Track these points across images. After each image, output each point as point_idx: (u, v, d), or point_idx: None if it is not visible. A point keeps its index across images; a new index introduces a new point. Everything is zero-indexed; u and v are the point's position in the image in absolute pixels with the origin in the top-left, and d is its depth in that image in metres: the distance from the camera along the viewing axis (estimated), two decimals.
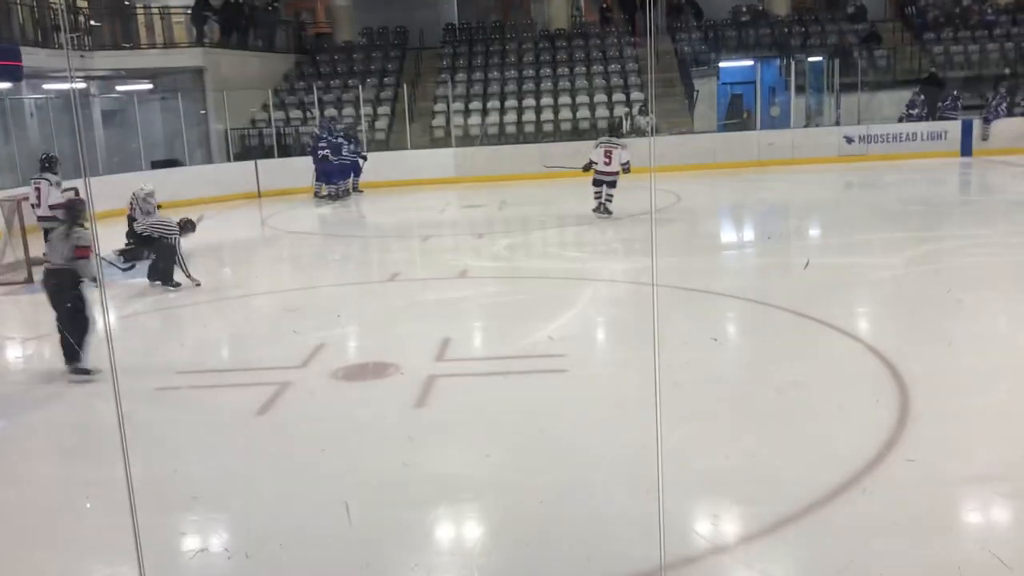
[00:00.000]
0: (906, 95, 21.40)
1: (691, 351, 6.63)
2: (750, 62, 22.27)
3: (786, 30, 24.16)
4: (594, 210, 13.74)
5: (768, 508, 4.18)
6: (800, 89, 21.66)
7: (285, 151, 20.96)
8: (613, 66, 23.54)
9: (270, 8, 24.73)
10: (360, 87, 22.09)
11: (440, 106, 22.20)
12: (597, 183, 13.74)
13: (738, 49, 23.37)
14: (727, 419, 5.43)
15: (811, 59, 22.22)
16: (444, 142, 21.28)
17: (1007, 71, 21.87)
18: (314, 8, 29.35)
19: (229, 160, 20.42)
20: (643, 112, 21.01)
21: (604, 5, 26.84)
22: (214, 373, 6.99)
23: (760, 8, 25.58)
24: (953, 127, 19.88)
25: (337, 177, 17.74)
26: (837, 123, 21.20)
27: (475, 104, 22.46)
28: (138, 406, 5.89)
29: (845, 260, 10.20)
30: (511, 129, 21.91)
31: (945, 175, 17.23)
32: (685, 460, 4.65)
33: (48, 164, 11.34)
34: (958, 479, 4.49)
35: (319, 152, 17.44)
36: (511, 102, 22.56)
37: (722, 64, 22.72)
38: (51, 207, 10.81)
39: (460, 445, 5.26)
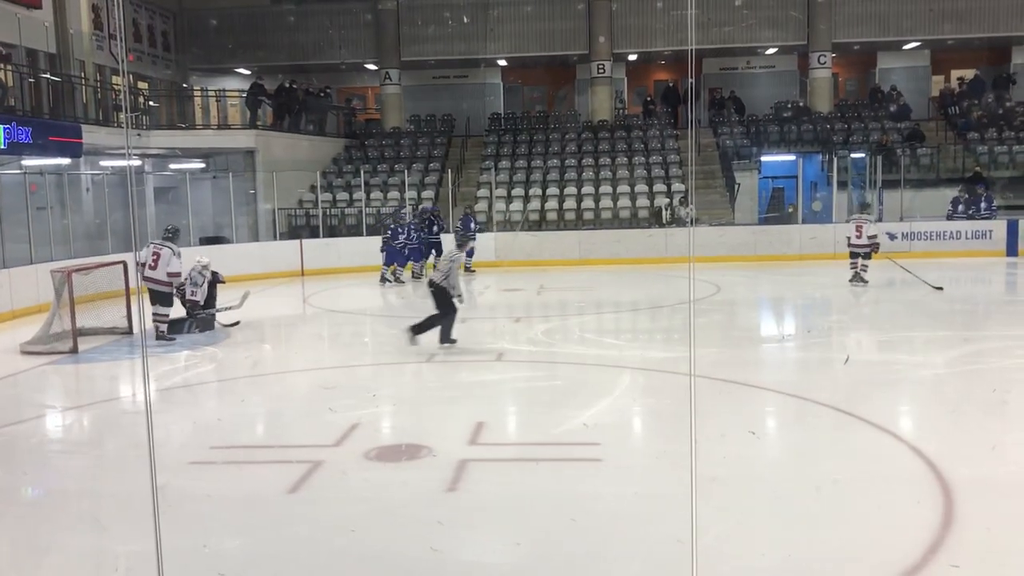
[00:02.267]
0: (949, 193, 21.35)
1: (728, 445, 6.53)
2: (792, 156, 22.43)
3: (828, 126, 24.37)
4: (850, 280, 15.45)
5: None
6: (842, 184, 21.71)
7: (330, 231, 21.37)
8: (655, 157, 23.85)
9: (322, 94, 25.54)
10: (406, 171, 22.57)
11: (483, 192, 22.58)
12: (852, 255, 15.59)
13: (780, 143, 23.60)
14: (764, 517, 5.31)
15: (853, 155, 22.31)
16: (486, 227, 21.56)
17: None
18: (365, 95, 30.26)
19: (275, 239, 20.85)
20: (683, 203, 21.17)
21: (648, 98, 27.35)
22: (248, 449, 7.01)
23: (802, 105, 25.89)
24: (999, 226, 19.73)
25: (395, 260, 17.68)
26: (879, 219, 21.14)
27: (517, 191, 22.81)
28: (172, 479, 5.92)
29: (886, 357, 10.05)
30: (552, 216, 22.16)
31: (990, 274, 17.03)
32: (720, 558, 4.53)
33: (171, 234, 11.97)
34: None
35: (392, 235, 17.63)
36: (552, 190, 22.89)
37: (764, 158, 22.90)
38: (168, 274, 11.53)
39: (490, 532, 5.19)
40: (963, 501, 5.31)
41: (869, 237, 15.40)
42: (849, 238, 15.67)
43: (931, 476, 5.76)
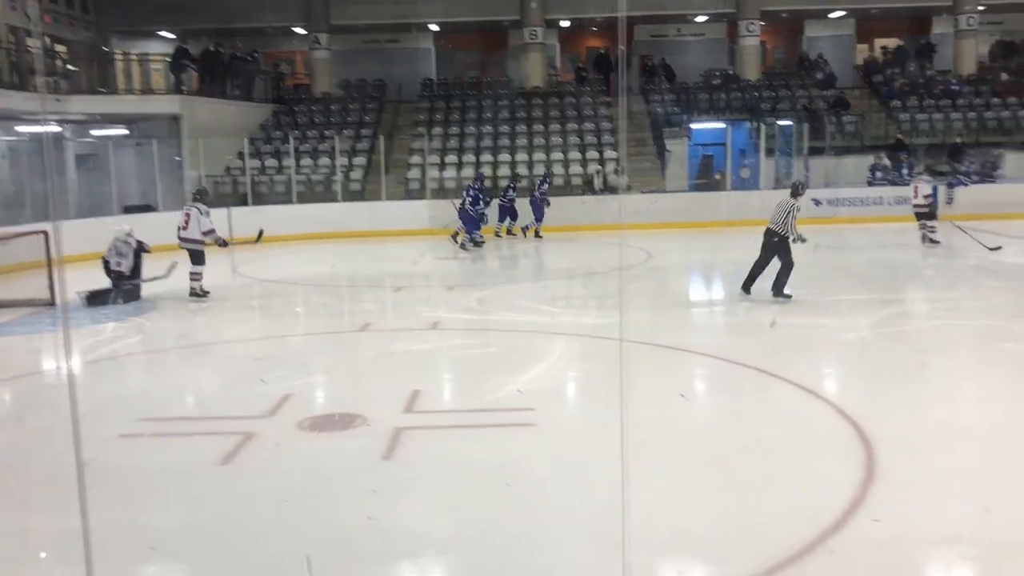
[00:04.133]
0: (871, 160, 21.90)
1: (659, 408, 6.65)
2: (721, 124, 22.70)
3: (756, 94, 24.69)
4: (922, 242, 15.99)
5: (733, 568, 4.17)
6: (769, 152, 22.09)
7: (259, 199, 20.97)
8: (588, 124, 23.91)
9: (249, 59, 24.94)
10: (336, 138, 22.24)
11: (416, 158, 22.40)
12: (917, 217, 16.13)
13: (709, 111, 23.84)
14: (694, 477, 5.43)
15: (781, 123, 22.68)
16: (419, 194, 21.43)
17: (958, 139, 22.41)
18: (293, 59, 29.65)
19: None
20: (617, 171, 21.31)
21: (580, 65, 27.36)
22: (179, 421, 6.90)
23: (731, 72, 26.17)
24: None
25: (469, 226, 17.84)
26: (807, 185, 21.54)
27: (451, 158, 22.67)
28: (99, 453, 5.79)
29: (812, 321, 10.31)
30: (486, 183, 22.07)
31: (910, 239, 17.55)
32: (652, 517, 4.63)
33: (199, 195, 12.76)
34: (923, 541, 4.50)
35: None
36: (486, 156, 22.80)
37: (693, 126, 23.14)
38: (202, 232, 12.13)
39: (426, 498, 5.20)
40: (884, 458, 5.49)
41: (924, 197, 15.87)
42: (912, 201, 16.25)
43: (854, 434, 5.95)
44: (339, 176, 21.49)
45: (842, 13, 26.57)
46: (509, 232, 19.46)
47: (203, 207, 12.30)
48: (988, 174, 21.67)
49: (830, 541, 4.39)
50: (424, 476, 5.54)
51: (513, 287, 13.56)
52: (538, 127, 23.99)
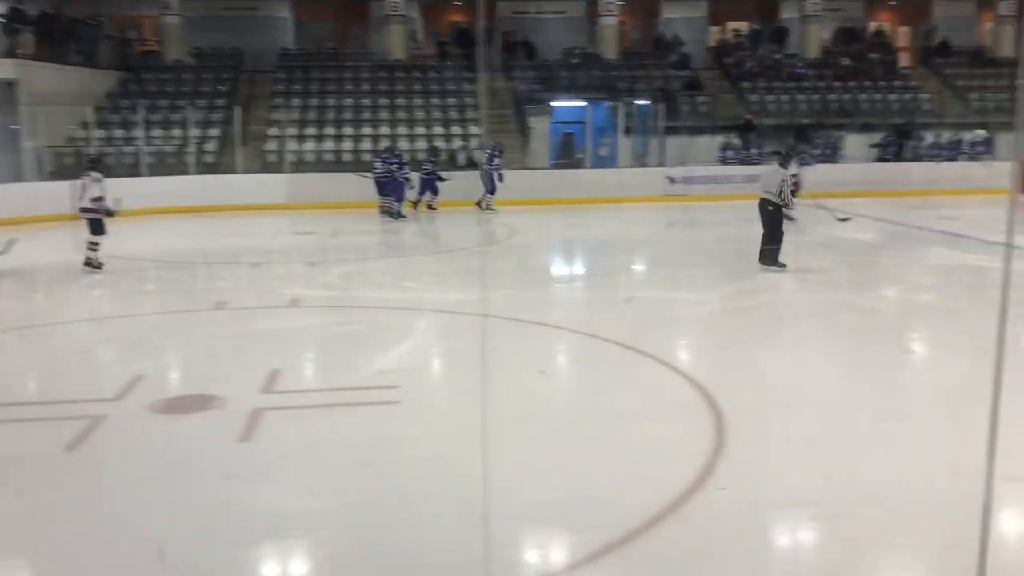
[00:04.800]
0: (723, 139, 22.80)
1: (521, 382, 6.76)
2: (582, 103, 23.08)
3: (615, 73, 25.19)
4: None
5: (592, 537, 4.29)
6: (628, 131, 22.63)
7: (107, 171, 19.87)
8: (451, 100, 23.82)
9: (92, 22, 23.53)
10: (189, 108, 21.35)
11: (273, 131, 21.77)
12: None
13: (570, 90, 24.17)
14: (554, 449, 5.55)
15: (638, 102, 23.26)
16: (276, 167, 20.85)
17: (806, 121, 23.64)
18: (141, 25, 28.16)
19: (43, 179, 19.20)
20: (482, 147, 21.35)
21: (442, 39, 27.18)
22: (21, 406, 6.51)
23: (591, 51, 26.58)
24: (767, 171, 21.21)
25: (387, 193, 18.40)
26: (661, 164, 22.25)
27: (310, 130, 22.16)
28: None
29: (667, 295, 10.68)
30: (347, 157, 21.73)
31: (758, 215, 18.37)
32: (514, 491, 4.70)
33: (92, 164, 12.78)
34: (770, 504, 4.75)
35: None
36: (347, 130, 22.40)
37: (554, 103, 23.42)
38: (91, 200, 11.94)
39: (286, 481, 5.11)
40: (734, 426, 5.77)
41: (791, 175, 16.30)
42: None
43: (706, 404, 6.22)
44: (192, 148, 20.65)
45: None
46: (430, 206, 19.26)
47: (96, 175, 12.11)
48: (830, 155, 22.91)
49: (682, 509, 4.58)
50: (284, 458, 5.44)
51: (376, 263, 13.43)
52: (400, 101, 23.72)
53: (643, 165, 22.62)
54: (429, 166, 19.29)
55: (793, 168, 17.03)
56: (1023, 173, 21.35)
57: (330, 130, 22.38)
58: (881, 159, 23.00)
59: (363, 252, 14.40)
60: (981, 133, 23.11)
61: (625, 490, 4.90)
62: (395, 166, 18.37)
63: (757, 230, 16.64)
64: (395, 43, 25.60)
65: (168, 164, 20.69)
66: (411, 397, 6.52)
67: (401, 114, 23.22)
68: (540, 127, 22.94)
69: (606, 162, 22.37)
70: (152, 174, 19.94)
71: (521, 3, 27.66)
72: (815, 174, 21.01)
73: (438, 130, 22.57)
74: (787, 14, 28.04)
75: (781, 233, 11.53)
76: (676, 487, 4.79)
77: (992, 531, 3.88)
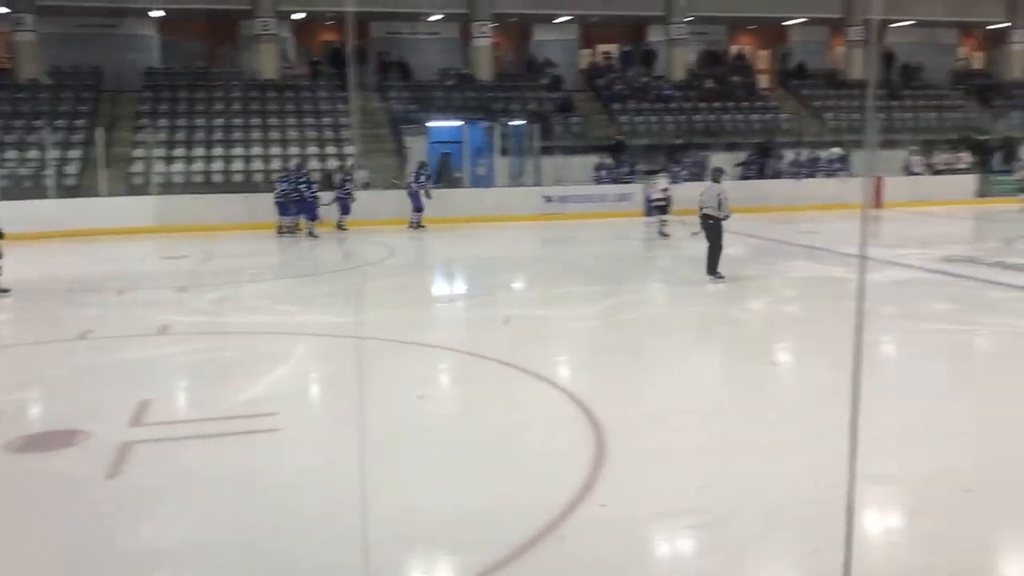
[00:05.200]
0: (598, 159, 23.35)
1: (402, 404, 6.71)
2: (458, 123, 23.21)
3: (490, 94, 25.44)
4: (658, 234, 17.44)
5: (474, 559, 4.30)
6: (504, 151, 22.89)
7: None
8: (325, 119, 23.54)
9: None
10: (47, 128, 20.36)
11: (139, 152, 21.00)
12: (653, 211, 18.23)
13: (446, 110, 24.27)
14: (435, 472, 5.52)
15: (513, 123, 23.56)
16: (143, 190, 20.11)
17: (677, 140, 24.49)
18: None
19: None
20: (353, 167, 21.17)
21: (315, 59, 26.84)
22: None
23: (465, 72, 26.77)
24: (638, 190, 21.89)
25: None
26: (537, 184, 22.57)
27: (179, 151, 21.49)
28: None
29: (546, 312, 10.82)
30: (218, 178, 21.17)
31: (630, 232, 18.88)
32: (394, 517, 4.65)
33: None
34: (648, 517, 4.85)
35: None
36: (218, 150, 21.83)
37: (431, 124, 23.47)
38: None
39: (160, 517, 4.91)
40: (613, 440, 5.88)
41: (662, 191, 17.36)
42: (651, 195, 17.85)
43: (585, 419, 6.32)
44: (51, 171, 19.69)
45: (567, 19, 27.97)
46: (340, 226, 19.27)
47: None
48: (698, 173, 23.74)
49: (562, 526, 4.63)
50: (155, 493, 5.22)
51: (251, 287, 13.09)
52: (273, 121, 23.28)
53: (520, 185, 22.88)
54: (344, 184, 19.34)
55: (663, 183, 17.73)
56: (876, 189, 22.77)
57: (200, 151, 21.75)
58: (745, 177, 24.00)
59: (237, 276, 14.01)
60: (837, 151, 24.43)
61: (507, 510, 4.92)
62: (304, 185, 18.36)
63: (630, 247, 17.10)
64: (267, 63, 25.11)
65: (24, 188, 19.66)
66: (288, 424, 6.38)
67: (274, 134, 22.79)
68: (416, 147, 22.93)
69: (483, 182, 22.54)
70: (7, 198, 18.89)
71: (395, 24, 27.59)
72: (683, 191, 21.75)
73: (312, 150, 22.26)
74: (654, 37, 28.96)
75: (720, 245, 12.17)
76: (557, 504, 4.85)
77: (856, 531, 4.09)
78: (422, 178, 19.63)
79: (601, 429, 6.09)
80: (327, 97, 24.46)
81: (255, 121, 23.10)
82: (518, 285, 13.62)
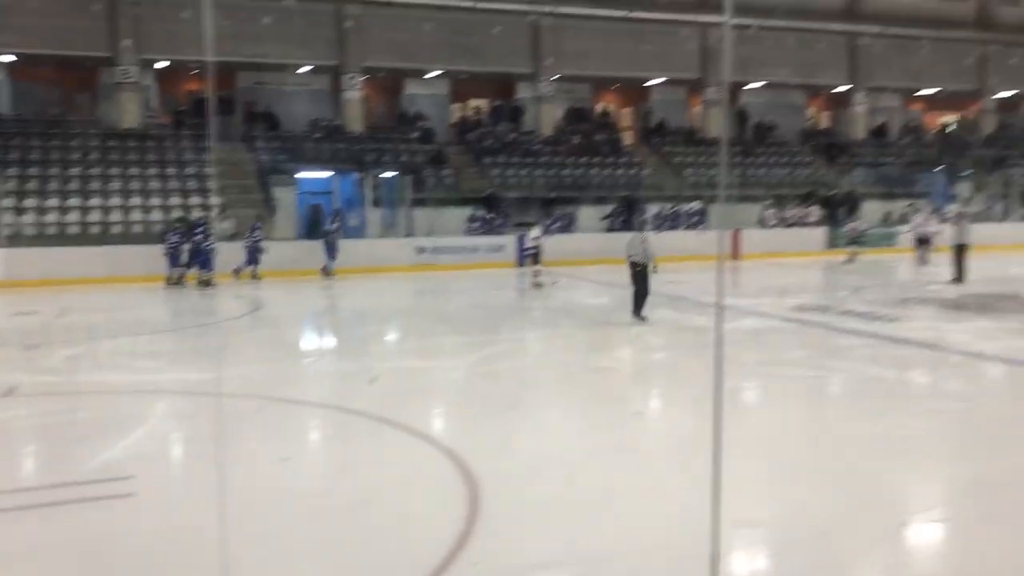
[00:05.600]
0: (470, 211, 23.60)
1: (266, 465, 6.49)
2: (328, 174, 23.03)
3: (361, 146, 25.39)
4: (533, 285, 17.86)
5: None
6: (376, 202, 22.83)
7: None
8: (189, 169, 22.92)
9: None
10: None
11: None
12: (525, 260, 18.91)
13: (316, 161, 24.08)
14: (302, 536, 5.32)
15: (385, 174, 23.57)
16: None
17: (552, 195, 25.06)
18: None
19: None
20: (223, 217, 20.67)
21: (179, 108, 26.17)
22: None
23: (336, 123, 26.66)
24: (510, 241, 22.19)
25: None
26: (410, 235, 22.58)
27: (30, 201, 20.46)
28: None
29: (419, 364, 10.75)
30: (74, 230, 20.24)
31: (503, 283, 19.07)
32: None
33: None
34: (520, 570, 4.82)
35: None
36: (74, 201, 20.89)
37: (300, 175, 23.21)
38: None
39: None
40: (486, 494, 5.84)
41: (533, 239, 17.86)
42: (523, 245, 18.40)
43: (458, 474, 6.27)
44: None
45: (438, 73, 28.32)
46: (254, 276, 19.18)
47: None
48: (567, 225, 24.34)
49: None
50: None
51: (108, 343, 12.48)
52: (134, 171, 22.49)
53: (392, 236, 22.83)
54: (256, 234, 19.24)
55: (536, 232, 18.09)
56: (733, 241, 23.80)
57: (54, 201, 20.77)
58: (611, 229, 24.70)
59: (93, 332, 13.35)
60: (696, 205, 25.47)
61: (377, 571, 4.80)
62: (200, 236, 18.27)
63: (503, 296, 17.29)
64: (128, 111, 24.30)
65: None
66: (145, 489, 6.06)
67: (135, 184, 22.00)
68: (286, 198, 22.60)
69: (355, 233, 22.36)
70: None
71: (263, 74, 27.27)
72: (553, 243, 22.20)
73: (175, 201, 21.60)
74: (523, 94, 29.64)
75: (646, 290, 12.95)
76: (429, 566, 4.75)
77: (723, 572, 4.18)
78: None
79: (475, 483, 6.04)
80: (191, 147, 23.84)
81: (115, 171, 22.27)
82: (391, 337, 13.50)
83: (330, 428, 8.00)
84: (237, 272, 19.04)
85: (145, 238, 20.13)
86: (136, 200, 21.40)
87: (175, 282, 18.34)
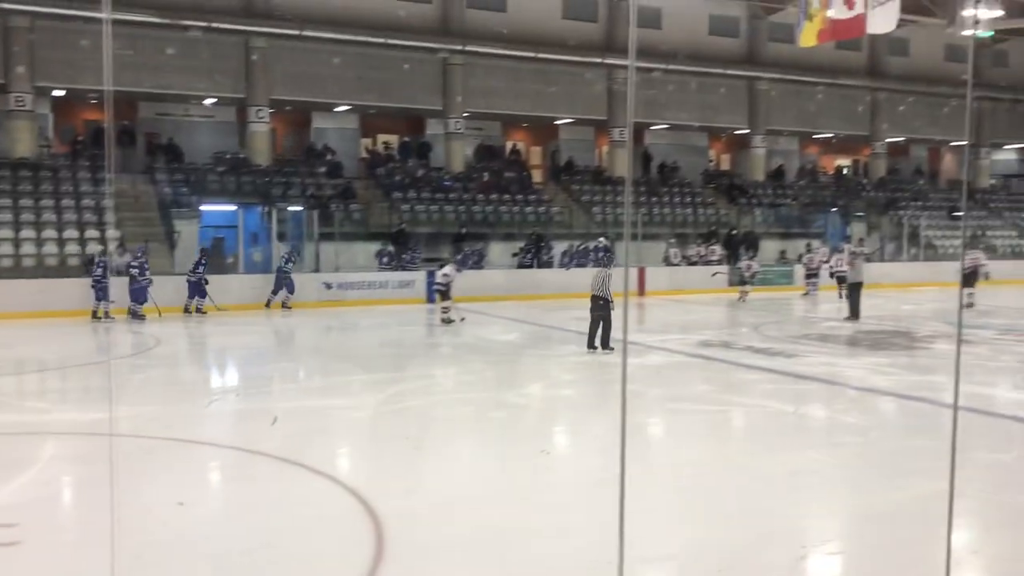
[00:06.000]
0: (379, 246, 23.46)
1: (162, 510, 6.24)
2: (233, 207, 22.58)
3: (267, 179, 24.98)
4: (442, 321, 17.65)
5: None
6: (281, 236, 22.45)
7: None
8: (87, 201, 22.13)
9: None
10: None
11: None
12: (434, 297, 18.63)
13: (220, 194, 23.58)
14: None
15: (292, 208, 23.23)
16: None
17: (463, 230, 25.11)
18: None
19: None
20: (121, 252, 19.98)
21: (78, 138, 25.34)
22: None
23: (242, 156, 26.21)
24: (420, 276, 22.09)
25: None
26: (317, 270, 22.26)
27: None
28: None
29: (325, 402, 10.55)
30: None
31: (412, 319, 18.93)
32: None
33: None
34: None
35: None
36: None
37: (204, 207, 22.69)
38: None
39: None
40: (391, 534, 5.74)
41: (443, 275, 17.56)
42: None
43: (364, 514, 6.14)
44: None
45: (346, 108, 28.18)
46: (199, 310, 18.96)
47: None
48: (477, 261, 24.38)
49: None
50: None
51: None
52: (26, 201, 21.60)
53: (298, 271, 22.42)
54: (200, 268, 19.03)
55: (447, 268, 18.06)
56: (639, 278, 24.23)
57: None
58: (521, 265, 24.86)
59: None
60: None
61: None
62: (136, 270, 17.81)
63: (412, 333, 17.20)
64: (21, 140, 23.36)
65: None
66: (31, 537, 5.75)
67: (27, 216, 21.13)
68: (188, 231, 22.03)
69: (260, 267, 21.93)
70: None
71: (166, 104, 26.65)
72: (464, 279, 22.19)
73: (71, 233, 20.81)
74: (433, 131, 29.72)
75: (610, 323, 13.33)
76: None
77: None
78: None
79: (380, 523, 5.93)
80: (89, 178, 23.03)
81: (5, 201, 21.34)
82: (296, 374, 13.21)
83: (228, 470, 7.75)
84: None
85: (38, 271, 19.32)
86: (28, 232, 20.53)
87: (103, 317, 17.66)
